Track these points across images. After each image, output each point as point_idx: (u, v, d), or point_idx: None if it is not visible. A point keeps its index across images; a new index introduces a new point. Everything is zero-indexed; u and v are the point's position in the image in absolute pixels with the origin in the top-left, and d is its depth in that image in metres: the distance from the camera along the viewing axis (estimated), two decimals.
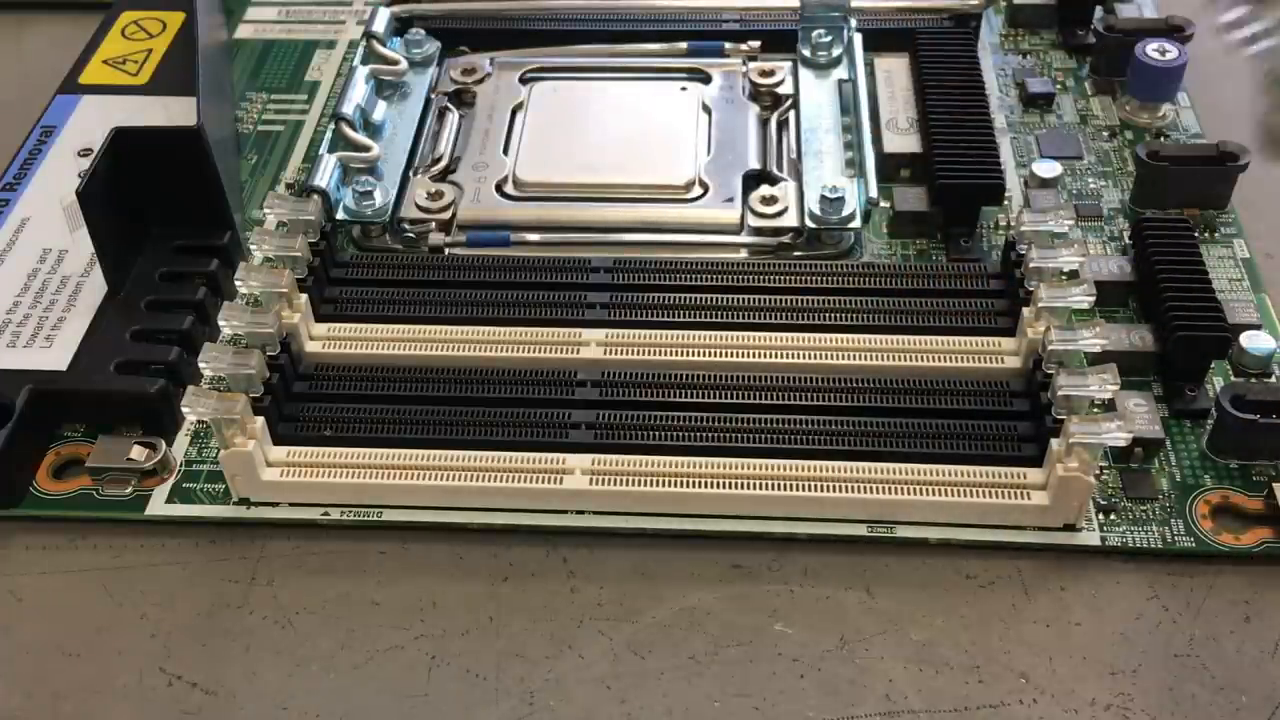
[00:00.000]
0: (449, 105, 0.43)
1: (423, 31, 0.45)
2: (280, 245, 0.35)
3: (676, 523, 0.32)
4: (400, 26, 0.46)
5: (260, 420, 0.32)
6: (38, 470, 0.34)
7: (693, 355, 0.34)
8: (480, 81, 0.44)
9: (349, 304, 0.36)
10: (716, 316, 0.35)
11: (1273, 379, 0.35)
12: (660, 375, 0.34)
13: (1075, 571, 0.32)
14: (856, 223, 0.38)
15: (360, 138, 0.41)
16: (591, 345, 0.35)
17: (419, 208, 0.39)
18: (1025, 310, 0.34)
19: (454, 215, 0.39)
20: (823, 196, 0.38)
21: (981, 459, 0.32)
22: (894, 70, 0.44)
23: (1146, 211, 0.40)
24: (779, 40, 0.45)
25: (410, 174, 0.40)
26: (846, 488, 0.32)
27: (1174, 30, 0.44)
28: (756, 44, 0.45)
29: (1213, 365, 0.35)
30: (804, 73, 0.43)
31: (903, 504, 0.32)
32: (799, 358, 0.34)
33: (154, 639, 0.31)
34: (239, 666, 0.30)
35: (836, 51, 0.43)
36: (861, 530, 0.32)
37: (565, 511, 0.33)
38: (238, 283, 0.34)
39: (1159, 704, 0.29)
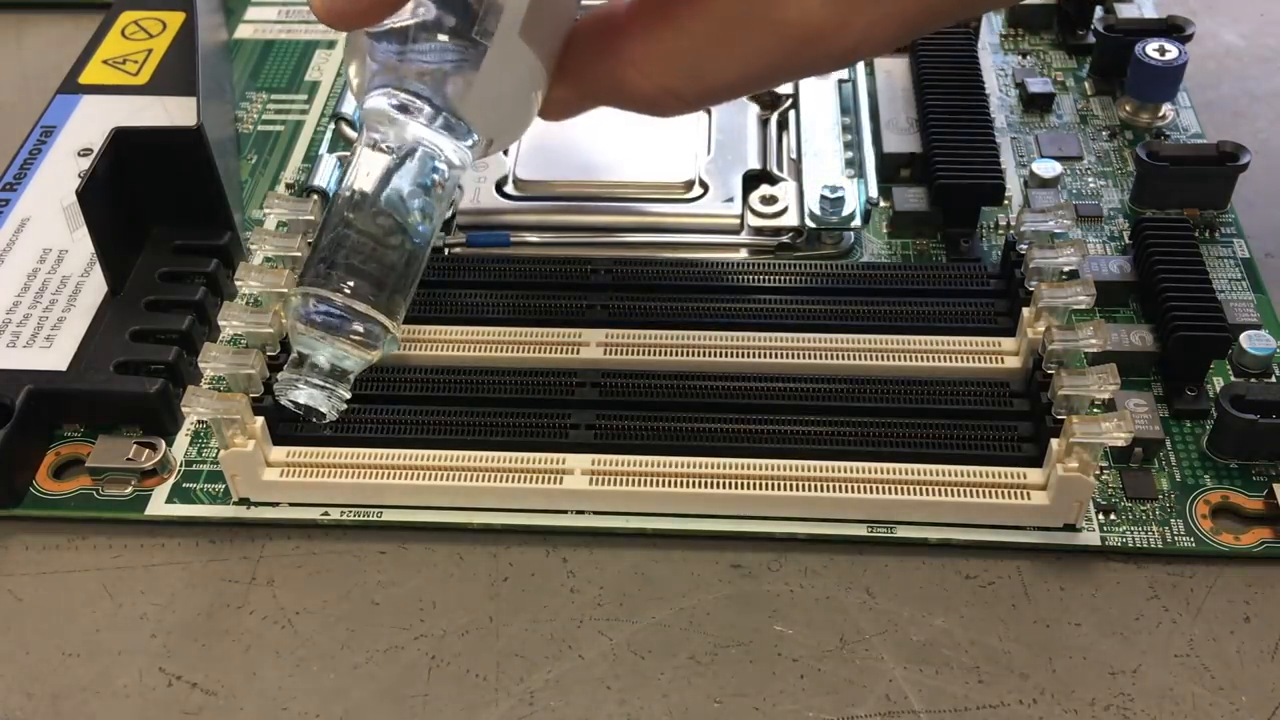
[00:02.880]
0: None
1: None
2: (280, 245, 0.35)
3: (676, 523, 0.32)
4: None
5: (260, 420, 0.32)
6: (38, 470, 0.34)
7: (693, 355, 0.34)
8: None
9: None
10: (716, 317, 0.35)
11: (1273, 379, 0.35)
12: (660, 376, 0.34)
13: (1075, 571, 0.32)
14: (856, 223, 0.38)
15: None
16: (591, 346, 0.35)
17: None
18: (1025, 310, 0.34)
19: (454, 215, 0.39)
20: (823, 196, 0.38)
21: (981, 459, 0.32)
22: (894, 70, 0.44)
23: (1146, 211, 0.40)
24: None
25: None
26: (846, 488, 0.32)
27: (1174, 30, 0.44)
28: None
29: (1213, 365, 0.35)
30: None
31: (903, 504, 0.32)
32: (799, 358, 0.34)
33: (154, 639, 0.31)
34: (239, 666, 0.30)
35: None
36: (861, 530, 0.32)
37: (565, 511, 0.33)
38: (238, 283, 0.34)
39: (1159, 704, 0.29)
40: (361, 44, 0.29)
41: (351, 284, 0.28)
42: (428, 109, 0.28)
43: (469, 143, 0.29)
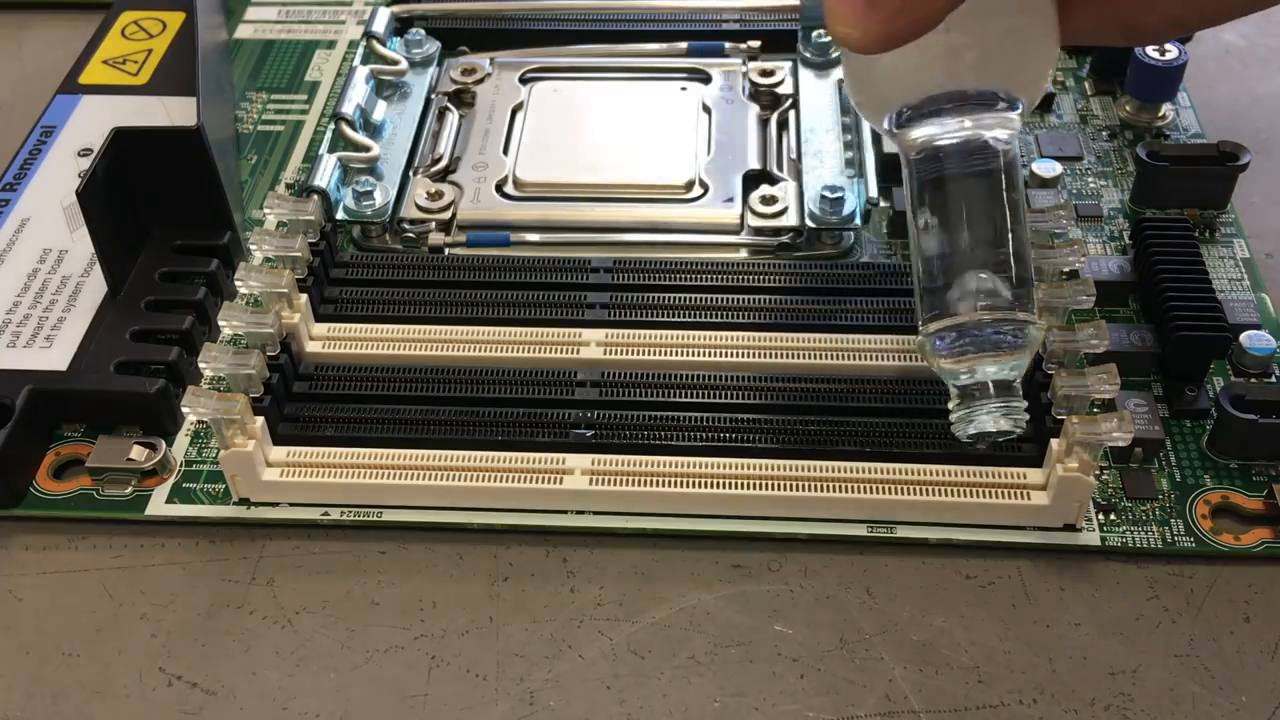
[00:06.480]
0: (449, 105, 0.43)
1: (423, 31, 0.45)
2: (280, 245, 0.35)
3: (676, 523, 0.32)
4: (400, 26, 0.46)
5: (260, 420, 0.32)
6: (38, 470, 0.34)
7: (692, 355, 0.34)
8: (480, 81, 0.44)
9: (349, 304, 0.36)
10: (716, 316, 0.35)
11: (1273, 379, 0.35)
12: (660, 375, 0.34)
13: (1075, 571, 0.32)
14: (856, 223, 0.38)
15: (360, 138, 0.41)
16: (591, 345, 0.35)
17: (419, 208, 0.39)
18: None
19: (454, 215, 0.39)
20: (823, 196, 0.38)
21: (981, 459, 0.32)
22: None
23: (1146, 211, 0.40)
24: (779, 40, 0.45)
25: (410, 174, 0.41)
26: (846, 488, 0.32)
27: None
28: (756, 44, 0.45)
29: (1213, 365, 0.35)
30: (804, 73, 0.43)
31: (903, 504, 0.32)
32: (799, 358, 0.34)
33: (154, 639, 0.31)
34: (239, 666, 0.30)
35: (836, 52, 0.43)
36: (861, 530, 0.32)
37: (565, 511, 0.32)
38: (238, 283, 0.34)
39: (1159, 704, 0.29)
40: (866, 62, 0.27)
41: (1005, 294, 0.27)
42: (975, 97, 0.28)
43: (1015, 112, 0.28)
